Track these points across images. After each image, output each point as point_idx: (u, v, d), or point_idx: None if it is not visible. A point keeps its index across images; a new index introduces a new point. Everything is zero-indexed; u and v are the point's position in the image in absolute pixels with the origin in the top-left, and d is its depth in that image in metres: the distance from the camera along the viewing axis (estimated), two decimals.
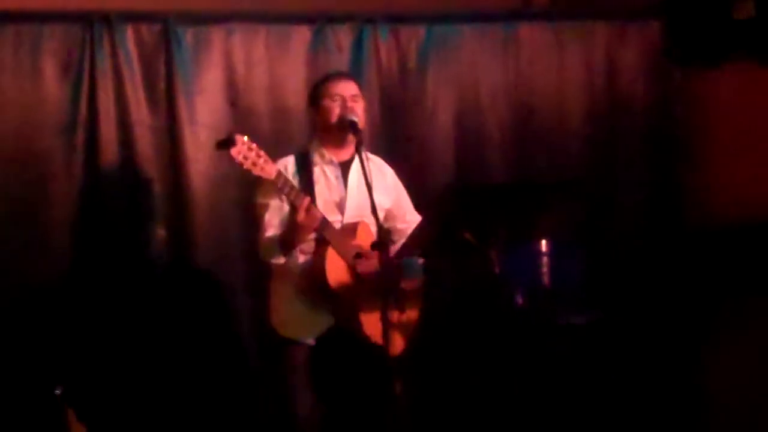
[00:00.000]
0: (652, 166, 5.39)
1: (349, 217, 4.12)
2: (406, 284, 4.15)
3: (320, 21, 5.08)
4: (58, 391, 4.30)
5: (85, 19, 4.74)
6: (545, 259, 4.91)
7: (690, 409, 4.96)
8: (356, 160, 4.11)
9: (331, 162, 4.16)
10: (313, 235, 4.02)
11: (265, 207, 4.08)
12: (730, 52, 5.27)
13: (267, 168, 3.85)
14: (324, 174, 4.15)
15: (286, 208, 4.00)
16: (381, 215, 3.91)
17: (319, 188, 4.12)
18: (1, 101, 4.65)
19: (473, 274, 4.78)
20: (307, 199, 3.90)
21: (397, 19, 5.22)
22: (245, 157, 3.80)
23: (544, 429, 4.71)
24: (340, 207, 4.13)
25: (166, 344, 4.69)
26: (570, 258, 4.99)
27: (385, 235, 3.81)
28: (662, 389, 5.05)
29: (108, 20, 4.76)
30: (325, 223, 3.96)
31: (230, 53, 4.96)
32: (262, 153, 3.84)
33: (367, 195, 3.86)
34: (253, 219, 4.20)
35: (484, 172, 5.23)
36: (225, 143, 3.80)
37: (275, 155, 4.03)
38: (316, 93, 4.22)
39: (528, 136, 5.32)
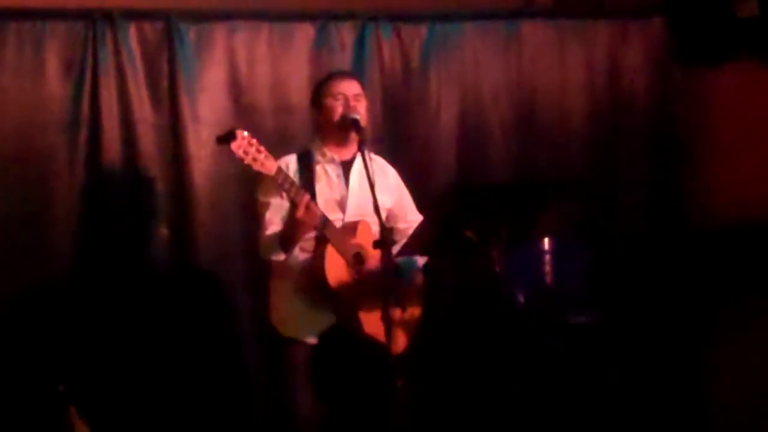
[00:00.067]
0: (653, 165, 5.40)
1: (351, 216, 4.13)
2: (406, 284, 4.15)
3: (323, 19, 5.09)
4: (60, 389, 4.32)
5: (88, 17, 4.74)
6: (546, 259, 4.92)
7: (690, 409, 4.97)
8: (358, 159, 4.12)
9: (332, 161, 4.17)
10: (313, 234, 4.03)
11: (266, 205, 4.09)
12: (732, 51, 5.27)
13: (267, 164, 3.85)
14: (325, 172, 4.16)
15: (287, 206, 4.00)
16: (383, 215, 3.93)
17: (321, 187, 4.12)
18: (4, 99, 4.65)
19: (474, 273, 4.79)
20: (306, 196, 3.90)
21: (399, 17, 5.22)
22: (245, 152, 3.80)
23: (545, 428, 4.72)
24: (342, 206, 4.14)
25: (168, 342, 4.70)
26: (571, 257, 4.99)
27: (387, 234, 3.82)
28: (663, 389, 5.06)
29: (111, 18, 4.76)
30: (325, 221, 3.97)
31: (233, 51, 4.96)
32: (262, 149, 3.84)
33: (369, 194, 3.87)
34: (254, 217, 4.21)
35: (486, 171, 5.24)
36: (225, 138, 3.80)
37: (278, 152, 4.04)
38: (319, 92, 4.22)
39: (530, 135, 5.32)
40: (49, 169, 4.69)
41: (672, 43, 5.43)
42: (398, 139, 5.13)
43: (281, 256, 4.06)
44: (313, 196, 4.01)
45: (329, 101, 4.16)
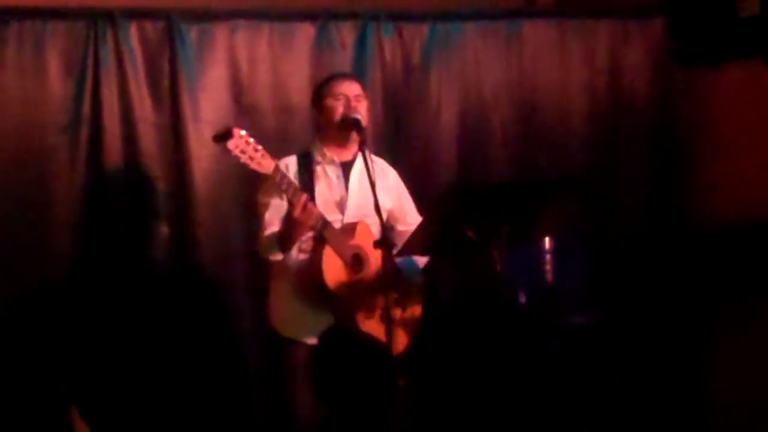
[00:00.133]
0: (653, 165, 5.40)
1: (350, 216, 4.13)
2: (406, 284, 4.15)
3: (324, 18, 5.09)
4: (61, 388, 4.33)
5: (89, 16, 4.75)
6: (547, 258, 4.92)
7: (690, 409, 4.98)
8: (358, 160, 4.13)
9: (332, 162, 4.17)
10: (311, 234, 4.03)
11: (266, 206, 4.10)
12: (733, 51, 5.26)
13: (264, 163, 3.85)
14: (325, 173, 4.16)
15: (287, 206, 4.02)
16: (383, 216, 3.93)
17: (320, 187, 4.13)
18: (5, 98, 4.65)
19: (475, 273, 4.80)
20: (304, 196, 3.90)
21: (400, 16, 5.22)
22: (242, 151, 3.80)
23: (545, 428, 4.72)
24: (341, 207, 4.14)
25: (168, 342, 4.71)
26: (572, 257, 5.00)
27: (388, 234, 3.81)
28: (663, 389, 5.06)
29: (112, 17, 4.77)
30: (323, 221, 3.97)
31: (234, 50, 4.96)
32: (259, 147, 3.84)
33: (368, 196, 3.88)
34: (254, 217, 4.22)
35: (487, 170, 5.24)
36: (222, 136, 3.81)
37: (279, 152, 4.04)
38: (320, 93, 4.23)
39: (530, 134, 5.33)
40: (50, 169, 4.69)
41: (672, 43, 5.42)
42: (398, 138, 5.13)
43: (279, 256, 4.07)
44: (313, 197, 4.02)
45: (330, 101, 4.16)
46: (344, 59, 5.07)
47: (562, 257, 4.92)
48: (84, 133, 4.74)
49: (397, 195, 4.33)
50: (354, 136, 4.10)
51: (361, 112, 4.12)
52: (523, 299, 4.74)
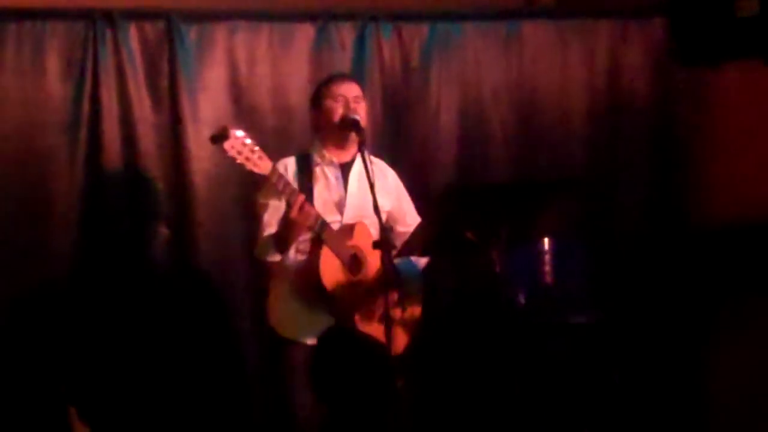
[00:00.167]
0: (653, 165, 5.38)
1: (349, 217, 4.13)
2: (406, 284, 4.15)
3: (323, 19, 5.08)
4: (61, 389, 4.33)
5: (88, 17, 4.75)
6: (546, 259, 4.91)
7: (690, 409, 4.97)
8: (357, 161, 4.13)
9: (331, 163, 4.17)
10: (309, 235, 4.03)
11: (265, 207, 4.10)
12: (733, 51, 5.26)
13: (261, 163, 3.85)
14: (324, 174, 4.16)
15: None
16: (382, 217, 3.93)
17: (319, 188, 4.13)
18: (4, 99, 4.65)
19: (474, 274, 4.80)
20: (301, 197, 3.91)
21: (400, 17, 5.22)
22: (239, 152, 3.80)
23: (545, 428, 4.72)
24: (340, 207, 4.14)
25: (168, 342, 4.71)
26: (571, 257, 4.99)
27: (387, 234, 3.81)
28: (663, 389, 5.06)
29: (111, 18, 4.77)
30: (321, 222, 3.97)
31: (233, 51, 4.96)
32: (256, 148, 3.84)
33: (367, 197, 3.87)
34: (254, 218, 4.21)
35: (487, 170, 5.24)
36: (218, 137, 3.81)
37: (278, 153, 4.05)
38: (319, 94, 4.23)
39: (530, 135, 5.32)
40: (49, 169, 4.69)
41: (672, 43, 5.41)
42: (398, 137, 5.13)
43: (276, 257, 4.07)
44: (311, 198, 4.02)
45: (329, 102, 4.16)
46: (344, 60, 5.07)
47: (562, 258, 4.92)
48: (83, 133, 4.74)
49: (397, 196, 4.33)
50: (353, 137, 4.10)
51: (360, 113, 4.13)
52: (522, 300, 4.73)
